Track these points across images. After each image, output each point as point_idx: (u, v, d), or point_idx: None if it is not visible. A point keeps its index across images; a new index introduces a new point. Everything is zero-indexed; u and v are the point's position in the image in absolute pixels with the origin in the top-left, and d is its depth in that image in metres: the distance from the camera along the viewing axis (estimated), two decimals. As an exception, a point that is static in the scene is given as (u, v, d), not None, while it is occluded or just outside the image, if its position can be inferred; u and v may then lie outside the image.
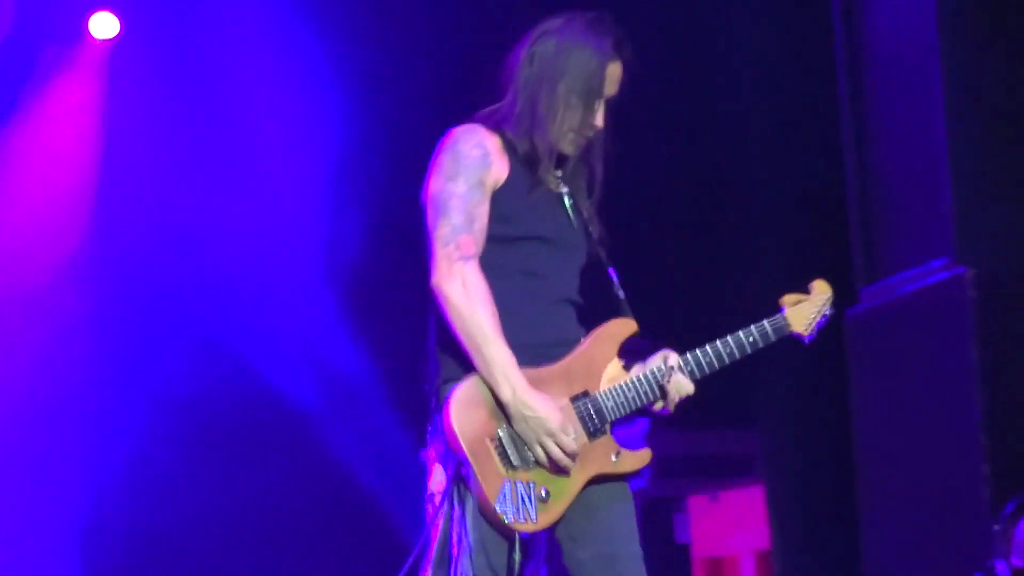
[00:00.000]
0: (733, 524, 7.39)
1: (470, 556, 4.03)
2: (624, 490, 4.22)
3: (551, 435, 4.05)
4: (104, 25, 7.60)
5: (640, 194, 7.09)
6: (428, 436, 4.16)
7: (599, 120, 4.23)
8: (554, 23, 4.25)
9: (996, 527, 5.34)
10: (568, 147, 4.24)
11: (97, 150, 7.66)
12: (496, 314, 4.07)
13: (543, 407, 4.04)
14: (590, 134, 4.25)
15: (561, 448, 4.05)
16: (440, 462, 4.11)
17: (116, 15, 7.61)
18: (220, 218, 7.51)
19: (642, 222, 7.19)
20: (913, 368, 6.09)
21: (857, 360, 6.36)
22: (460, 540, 4.05)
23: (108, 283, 7.56)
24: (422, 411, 4.16)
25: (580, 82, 4.19)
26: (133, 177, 7.55)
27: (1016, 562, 5.20)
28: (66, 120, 7.68)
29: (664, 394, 4.17)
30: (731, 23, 7.09)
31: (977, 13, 6.03)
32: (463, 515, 4.05)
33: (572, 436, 4.07)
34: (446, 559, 4.07)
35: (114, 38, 7.61)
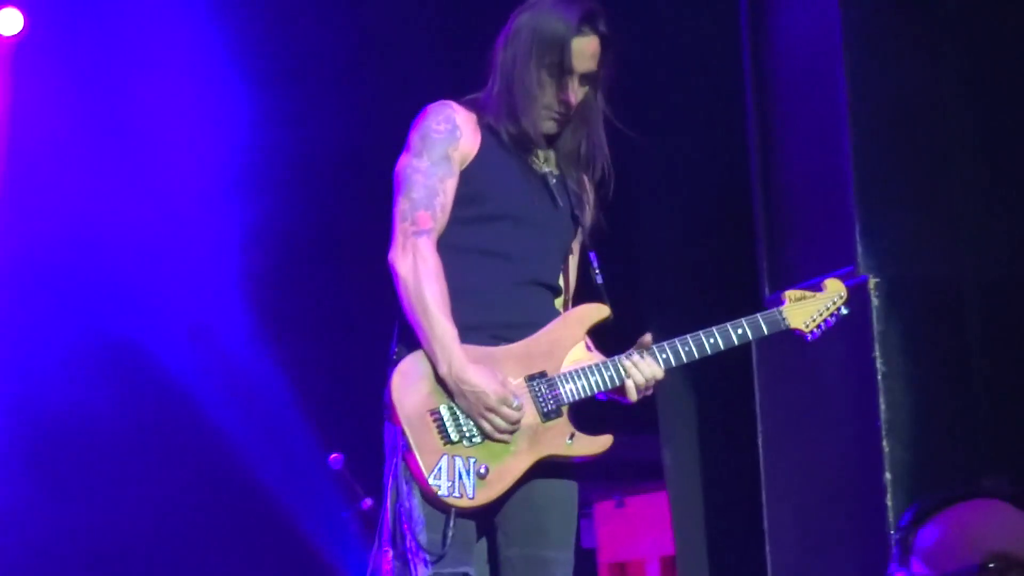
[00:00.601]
0: (639, 529, 7.47)
1: (418, 530, 4.01)
2: (570, 491, 4.20)
3: (490, 408, 4.02)
4: (9, 21, 7.53)
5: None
6: (385, 411, 4.14)
7: (571, 96, 4.17)
8: (531, 2, 4.23)
9: (895, 535, 5.39)
10: (546, 125, 4.20)
11: (1, 147, 7.58)
12: (445, 291, 4.07)
13: (481, 380, 4.03)
14: (563, 111, 4.19)
15: (504, 419, 4.02)
16: (385, 436, 4.11)
17: (21, 11, 7.55)
18: (125, 219, 7.43)
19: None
20: (817, 375, 6.09)
21: (762, 366, 6.36)
22: (410, 515, 4.03)
23: (8, 285, 7.47)
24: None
25: (547, 57, 4.15)
26: (37, 176, 7.49)
27: (917, 570, 5.23)
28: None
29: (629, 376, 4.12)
30: (639, 27, 6.95)
31: (881, 20, 6.06)
32: (410, 490, 4.03)
33: (517, 405, 4.02)
34: (400, 534, 4.05)
35: (19, 34, 7.54)
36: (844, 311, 4.30)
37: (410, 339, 4.11)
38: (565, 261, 4.33)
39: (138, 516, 7.38)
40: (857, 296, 5.80)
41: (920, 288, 5.95)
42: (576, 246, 4.35)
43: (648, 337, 4.18)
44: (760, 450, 6.36)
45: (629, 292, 6.90)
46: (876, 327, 5.84)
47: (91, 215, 7.39)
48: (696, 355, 4.18)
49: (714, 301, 6.06)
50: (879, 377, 5.82)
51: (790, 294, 4.28)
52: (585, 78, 4.21)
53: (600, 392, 4.15)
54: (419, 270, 4.06)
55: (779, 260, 6.38)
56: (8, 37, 7.57)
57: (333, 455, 6.55)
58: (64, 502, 7.34)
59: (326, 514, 7.19)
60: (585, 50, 4.17)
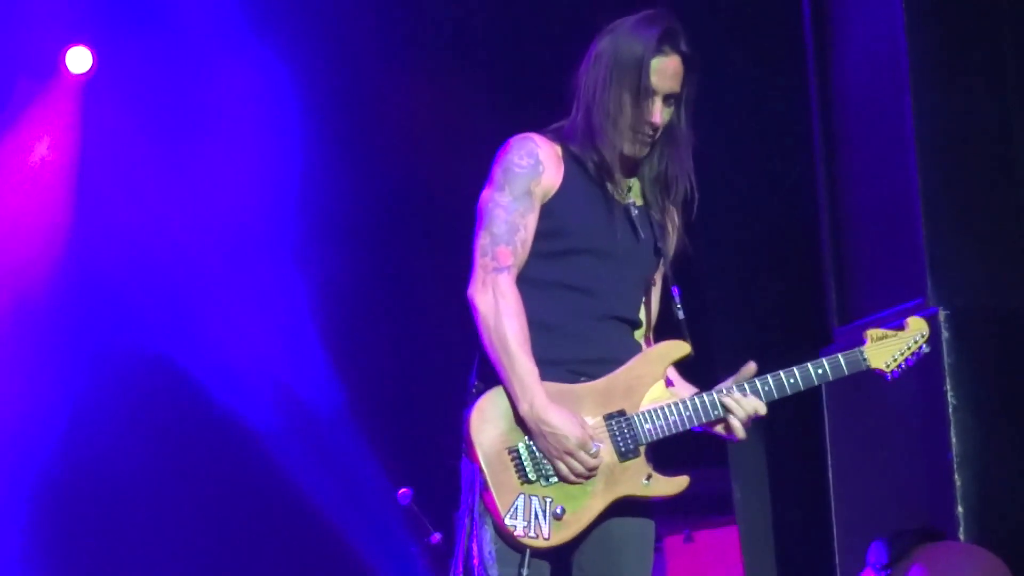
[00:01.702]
0: (708, 564, 7.35)
1: (492, 568, 4.02)
2: (646, 529, 4.19)
3: (569, 452, 4.01)
4: (79, 59, 7.66)
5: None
6: (462, 445, 4.12)
7: (655, 116, 4.12)
8: (613, 24, 4.22)
9: (883, 572, 5.39)
10: (630, 148, 4.16)
11: (70, 183, 7.69)
12: (525, 328, 4.06)
13: (562, 422, 4.01)
14: (649, 132, 4.15)
15: (581, 464, 4.01)
16: (462, 471, 4.11)
17: (90, 49, 7.68)
18: (192, 248, 7.50)
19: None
20: (887, 408, 6.06)
21: (832, 399, 6.31)
22: (480, 552, 4.02)
23: (82, 309, 7.55)
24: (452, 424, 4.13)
25: (627, 78, 4.11)
26: (106, 210, 7.56)
27: None
28: (39, 153, 7.73)
29: (724, 416, 4.08)
30: (704, 57, 7.10)
31: (947, 47, 6.03)
32: (483, 526, 4.03)
33: (595, 452, 4.01)
34: (473, 571, 4.05)
35: (88, 72, 7.68)
36: (926, 349, 4.27)
37: (489, 374, 4.09)
38: (647, 293, 4.30)
39: (207, 553, 7.41)
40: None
41: (991, 320, 5.92)
42: (658, 278, 4.34)
43: (753, 366, 4.16)
44: (831, 484, 6.33)
45: (696, 327, 7.02)
46: (947, 359, 5.82)
47: (155, 254, 7.46)
48: (776, 395, 4.14)
49: (782, 336, 6.11)
50: (950, 410, 5.79)
51: (871, 333, 4.25)
52: (668, 99, 4.17)
53: (682, 430, 4.12)
54: (499, 307, 4.05)
55: (847, 293, 6.37)
56: (78, 75, 7.69)
57: (402, 490, 6.53)
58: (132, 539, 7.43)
59: (395, 549, 7.17)
60: (666, 69, 4.15)
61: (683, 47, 4.17)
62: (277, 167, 7.51)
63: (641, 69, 4.11)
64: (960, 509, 5.73)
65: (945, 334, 5.83)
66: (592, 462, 4.02)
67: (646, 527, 4.20)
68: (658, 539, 7.31)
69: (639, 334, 4.27)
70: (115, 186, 7.56)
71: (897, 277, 6.08)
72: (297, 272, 7.50)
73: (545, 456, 4.04)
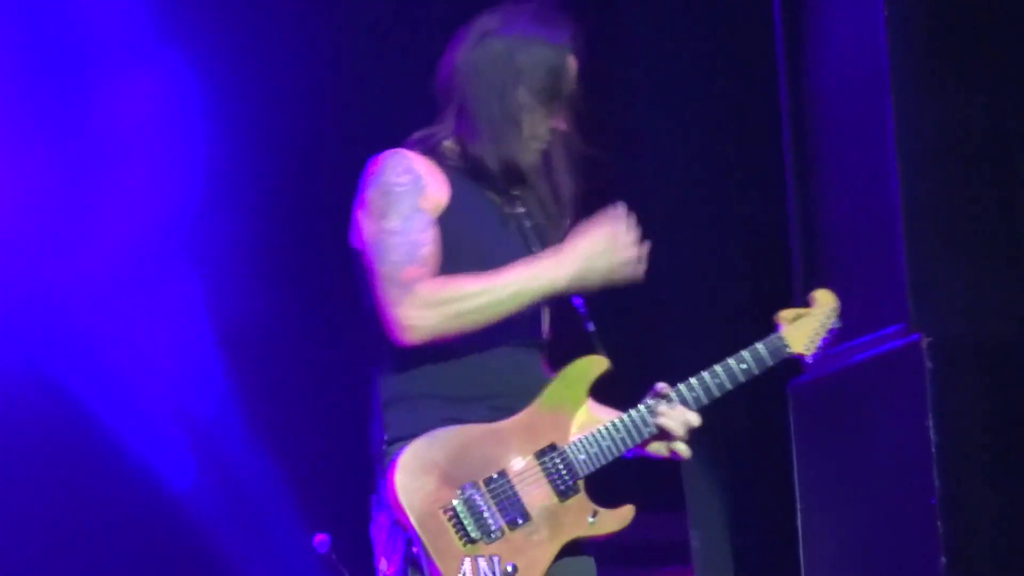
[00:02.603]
0: (665, 617, 7.32)
1: None
2: (591, 569, 4.10)
3: (613, 249, 3.97)
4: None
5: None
6: (373, 509, 4.00)
7: (561, 122, 4.06)
8: (491, 21, 4.07)
9: None
10: (530, 156, 4.07)
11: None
12: (468, 279, 3.90)
13: (589, 243, 3.95)
14: (549, 139, 4.09)
15: (628, 242, 3.98)
16: (388, 539, 3.92)
17: None
18: (75, 250, 7.17)
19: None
20: (863, 445, 5.96)
21: (801, 435, 6.25)
22: None
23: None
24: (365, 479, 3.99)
25: (540, 82, 4.03)
26: None
27: None
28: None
29: (657, 436, 4.00)
30: (666, 63, 7.04)
31: (934, 45, 5.95)
32: None
33: (627, 234, 3.98)
34: None
35: None
36: (837, 325, 4.30)
37: (399, 425, 3.94)
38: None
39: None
40: (909, 357, 5.69)
41: (980, 349, 5.79)
42: None
43: (664, 387, 4.09)
44: (799, 531, 6.23)
45: (655, 347, 6.90)
46: (930, 392, 5.68)
47: (34, 257, 7.14)
48: (705, 401, 4.09)
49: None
50: (933, 449, 5.65)
51: (784, 315, 4.23)
52: (567, 99, 4.11)
53: (617, 455, 4.03)
54: (436, 290, 3.88)
55: None
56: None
57: (319, 536, 6.12)
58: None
59: None
60: (572, 71, 4.09)
61: (579, 45, 4.13)
62: (174, 181, 7.23)
63: (555, 73, 4.06)
64: (944, 560, 5.59)
65: (928, 364, 5.69)
66: (629, 234, 3.99)
67: (590, 565, 4.12)
68: (607, 590, 7.44)
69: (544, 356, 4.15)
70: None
71: (875, 300, 5.95)
72: (197, 281, 7.27)
73: (610, 268, 3.98)
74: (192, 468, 7.16)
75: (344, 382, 6.30)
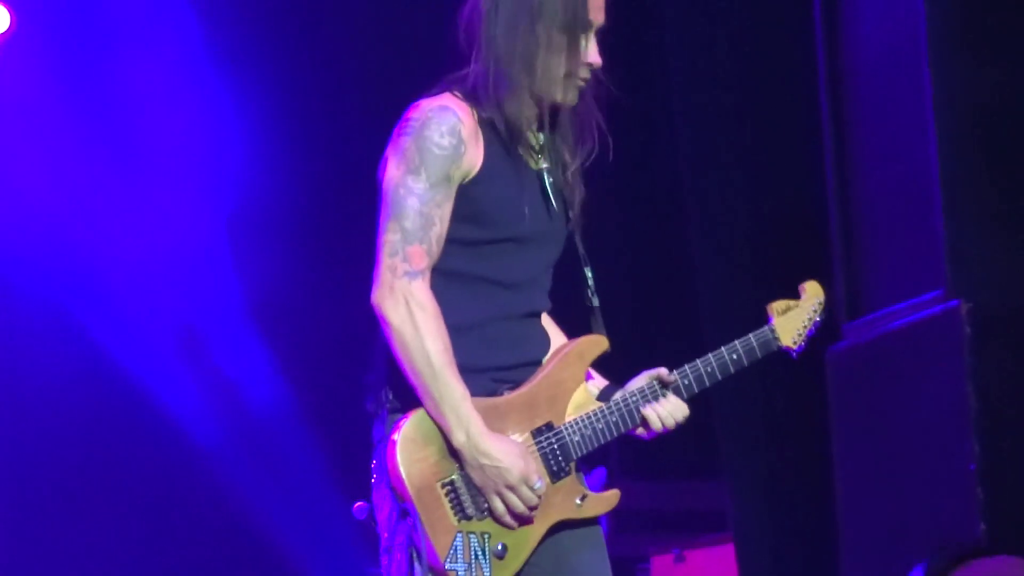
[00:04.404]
0: (701, 586, 7.34)
1: None
2: (596, 535, 4.05)
3: (511, 488, 3.83)
4: (-5, 18, 7.59)
5: (605, 222, 7.10)
6: (374, 471, 3.96)
7: (593, 56, 3.95)
8: None
9: None
10: (563, 96, 3.95)
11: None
12: (448, 341, 3.82)
13: (503, 454, 3.83)
14: (587, 75, 3.95)
15: (522, 502, 3.83)
16: (378, 504, 3.93)
17: (8, 8, 7.53)
18: (108, 224, 7.39)
19: (607, 251, 7.11)
20: (901, 412, 5.97)
21: (838, 403, 6.25)
22: None
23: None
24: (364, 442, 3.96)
25: (560, 14, 3.91)
26: (17, 179, 7.43)
27: None
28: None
29: (644, 421, 3.98)
30: (706, 43, 7.04)
31: (971, 17, 5.92)
32: (416, 569, 3.80)
33: (538, 485, 3.85)
34: None
35: (5, 32, 7.50)
36: (822, 317, 4.20)
37: (404, 392, 3.89)
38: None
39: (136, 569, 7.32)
40: (947, 324, 5.71)
41: (1019, 314, 5.78)
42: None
43: (665, 372, 4.04)
44: (838, 499, 6.25)
45: (689, 321, 6.94)
46: (968, 360, 5.69)
47: (73, 220, 7.35)
48: (696, 390, 4.05)
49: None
50: (972, 415, 5.67)
51: (775, 306, 4.16)
52: (598, 33, 3.98)
53: (608, 440, 4.01)
54: (418, 322, 3.82)
55: (858, 285, 6.30)
56: (-6, 34, 7.60)
57: (357, 503, 6.44)
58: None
59: (351, 568, 7.09)
60: (596, 4, 3.97)
61: None
62: (213, 148, 7.41)
63: (574, 6, 3.93)
64: (983, 527, 5.60)
65: (967, 330, 5.69)
66: (534, 500, 3.85)
67: (595, 531, 4.06)
68: (645, 558, 7.47)
69: (546, 320, 4.10)
70: (29, 155, 7.42)
71: (913, 267, 5.97)
72: (233, 264, 7.43)
73: (480, 490, 3.83)
74: (234, 438, 7.31)
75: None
